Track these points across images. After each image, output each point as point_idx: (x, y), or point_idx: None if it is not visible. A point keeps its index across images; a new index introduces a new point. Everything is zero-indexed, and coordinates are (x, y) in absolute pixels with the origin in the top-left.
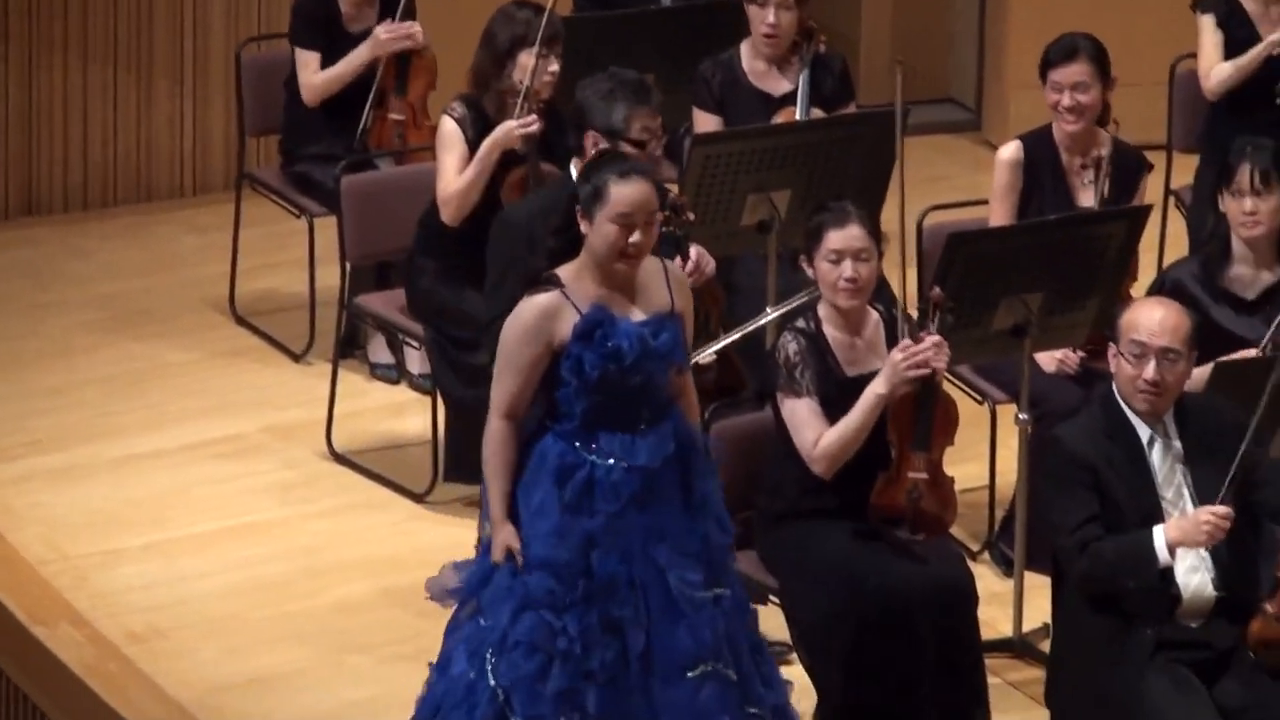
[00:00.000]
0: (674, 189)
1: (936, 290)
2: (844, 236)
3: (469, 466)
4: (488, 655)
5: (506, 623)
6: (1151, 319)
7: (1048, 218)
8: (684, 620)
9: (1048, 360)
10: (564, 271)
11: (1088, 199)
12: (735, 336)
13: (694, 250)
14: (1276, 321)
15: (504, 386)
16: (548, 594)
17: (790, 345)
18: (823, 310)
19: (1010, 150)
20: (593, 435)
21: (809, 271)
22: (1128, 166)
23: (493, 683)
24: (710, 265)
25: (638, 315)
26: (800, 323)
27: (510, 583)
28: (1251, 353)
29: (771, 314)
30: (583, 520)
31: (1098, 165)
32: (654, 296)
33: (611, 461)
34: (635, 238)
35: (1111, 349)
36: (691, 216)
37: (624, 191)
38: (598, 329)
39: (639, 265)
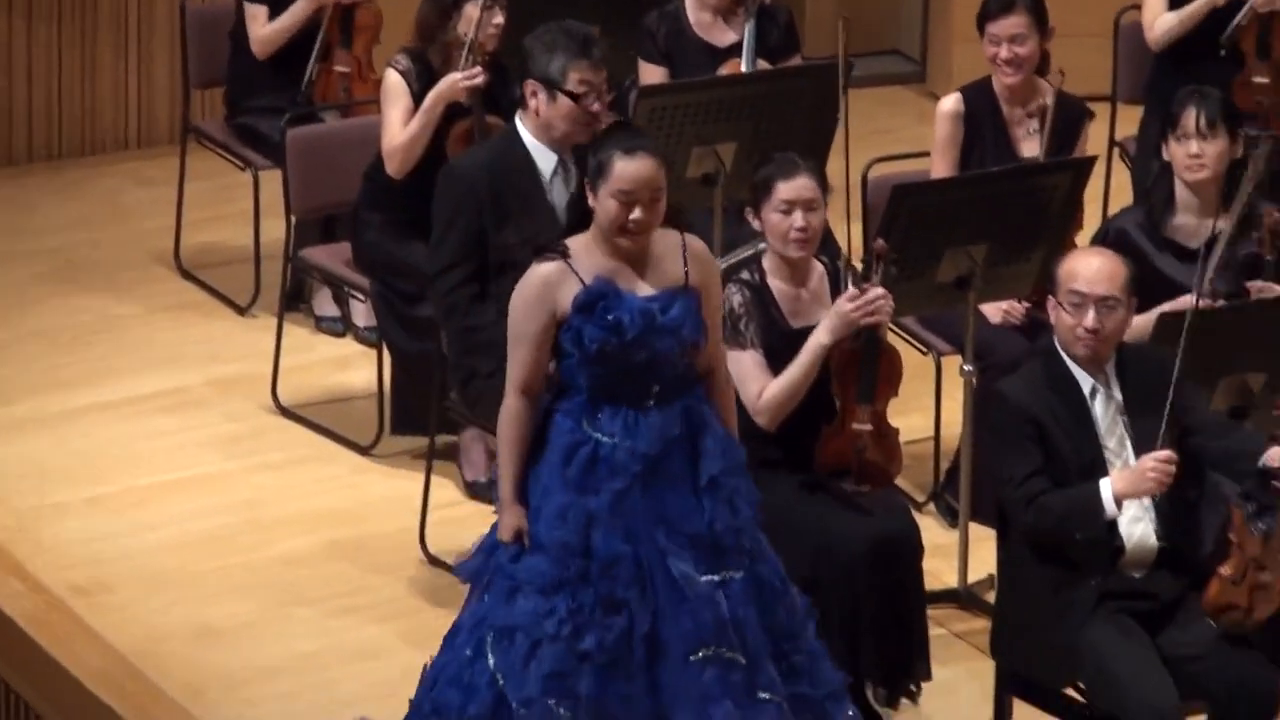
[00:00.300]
0: None
1: (880, 242)
2: (793, 187)
3: (415, 419)
4: (487, 635)
5: (502, 605)
6: (1089, 268)
7: (992, 169)
8: (686, 604)
9: (993, 311)
10: (574, 242)
11: (1030, 150)
12: None
13: None
14: (1211, 266)
15: (515, 359)
16: (539, 575)
17: (735, 297)
18: (768, 262)
19: (950, 102)
20: (597, 412)
21: (755, 224)
22: (1070, 116)
23: (491, 664)
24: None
25: (645, 290)
26: (745, 275)
27: (508, 564)
28: (1189, 300)
29: (721, 264)
30: (588, 499)
31: (1040, 116)
32: (668, 271)
33: (615, 440)
34: (637, 214)
35: (1050, 300)
36: None
37: (627, 168)
38: (600, 301)
39: (644, 241)
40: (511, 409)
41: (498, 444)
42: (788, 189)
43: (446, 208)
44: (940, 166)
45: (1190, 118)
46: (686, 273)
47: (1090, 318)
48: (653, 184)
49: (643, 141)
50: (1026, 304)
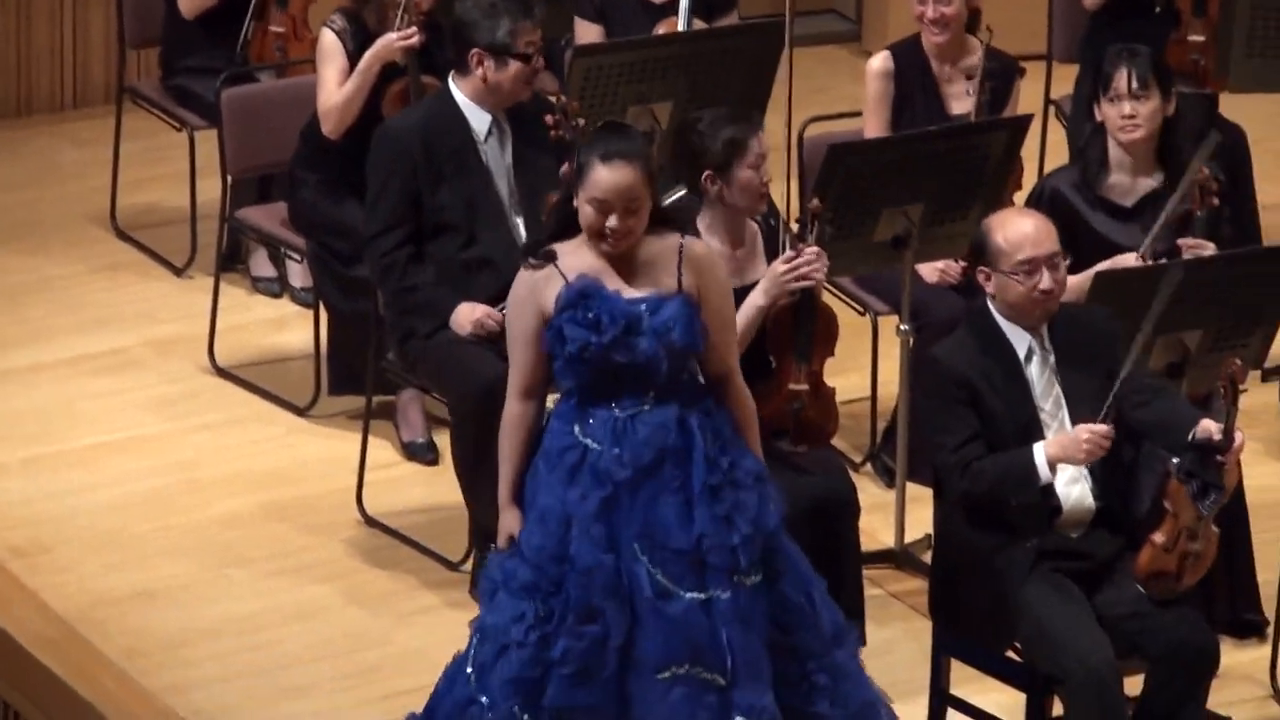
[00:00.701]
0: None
1: (815, 201)
2: (761, 142)
3: (352, 380)
4: (474, 634)
5: (486, 604)
6: (1027, 232)
7: (929, 129)
8: (662, 619)
9: (929, 271)
10: (564, 244)
11: (962, 108)
12: None
13: None
14: (1155, 228)
15: (512, 363)
16: (513, 578)
17: None
18: (702, 221)
19: (879, 61)
20: (589, 416)
21: (715, 188)
22: (1001, 74)
23: (470, 661)
24: None
25: (632, 293)
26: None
27: (496, 564)
28: (1131, 259)
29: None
30: (570, 504)
31: (971, 74)
32: (660, 275)
33: (602, 447)
34: (612, 222)
35: (982, 272)
36: (581, 122)
37: (602, 176)
38: (582, 300)
39: (623, 247)
40: (511, 414)
41: (498, 446)
42: (758, 144)
43: (380, 170)
44: (872, 126)
45: (1122, 78)
46: (680, 278)
47: (1046, 278)
48: (628, 194)
49: (625, 147)
50: (963, 263)
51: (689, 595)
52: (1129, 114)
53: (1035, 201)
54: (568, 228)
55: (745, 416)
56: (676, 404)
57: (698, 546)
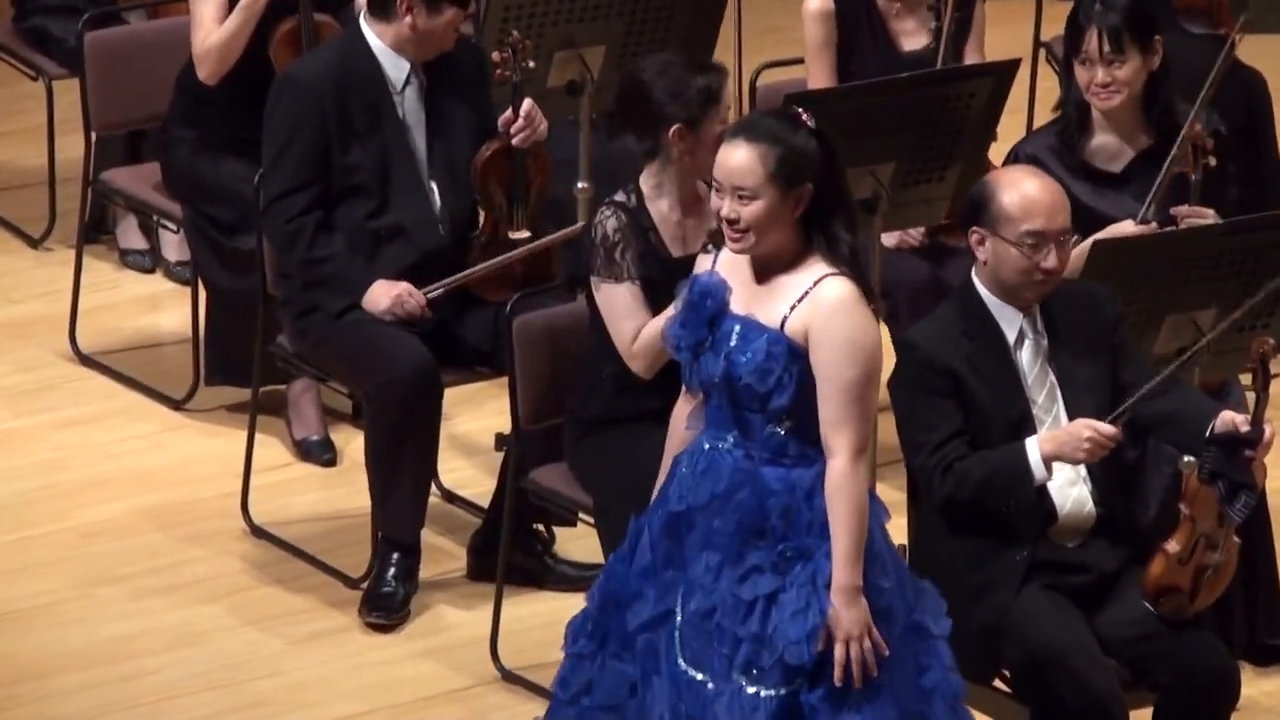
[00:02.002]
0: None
1: None
2: (728, 93)
3: (233, 368)
4: None
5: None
6: (1042, 200)
7: (900, 75)
8: (665, 680)
9: (888, 236)
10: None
11: (915, 43)
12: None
13: (526, 104)
14: (1154, 189)
15: None
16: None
17: (609, 222)
18: (647, 185)
19: (817, 2)
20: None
21: (682, 145)
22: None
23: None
24: (543, 125)
25: (746, 310)
26: (620, 197)
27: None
28: (1129, 226)
29: None
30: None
31: (924, 2)
32: (779, 303)
33: (681, 469)
34: (724, 208)
35: (976, 234)
36: (532, 64)
37: (720, 152)
38: (691, 295)
39: (742, 246)
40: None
41: None
42: (727, 96)
43: (284, 123)
44: (817, 73)
45: (1092, 39)
46: (791, 310)
47: (1052, 257)
48: (736, 175)
49: (753, 127)
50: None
51: (685, 667)
52: (1103, 81)
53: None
54: None
55: (837, 508)
56: (746, 452)
57: (710, 616)
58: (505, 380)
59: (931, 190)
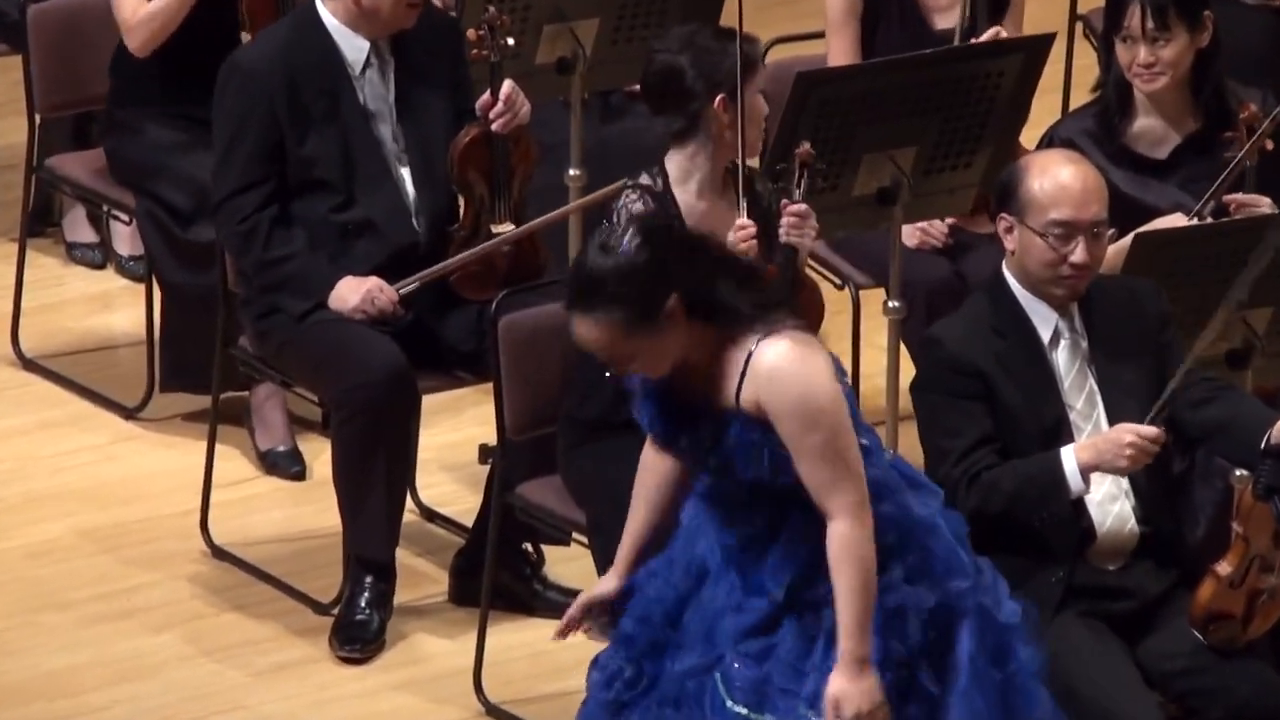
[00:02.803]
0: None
1: (805, 146)
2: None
3: (191, 373)
4: None
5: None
6: (1073, 186)
7: (922, 52)
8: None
9: (908, 233)
10: None
11: (948, 21)
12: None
13: (506, 86)
14: (1218, 182)
15: None
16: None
17: (635, 206)
18: (672, 168)
19: None
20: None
21: (726, 116)
22: None
23: None
24: (525, 108)
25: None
26: (645, 179)
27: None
28: (1178, 219)
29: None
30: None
31: None
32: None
33: (687, 514)
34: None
35: (1004, 221)
36: (510, 42)
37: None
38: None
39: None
40: None
41: None
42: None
43: (231, 115)
44: (839, 49)
45: (1134, 16)
46: (738, 391)
47: (1080, 250)
48: (605, 354)
49: (583, 294)
50: (950, 221)
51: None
52: (1145, 61)
53: None
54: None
55: (843, 578)
56: (731, 515)
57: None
58: (489, 386)
59: (956, 178)
